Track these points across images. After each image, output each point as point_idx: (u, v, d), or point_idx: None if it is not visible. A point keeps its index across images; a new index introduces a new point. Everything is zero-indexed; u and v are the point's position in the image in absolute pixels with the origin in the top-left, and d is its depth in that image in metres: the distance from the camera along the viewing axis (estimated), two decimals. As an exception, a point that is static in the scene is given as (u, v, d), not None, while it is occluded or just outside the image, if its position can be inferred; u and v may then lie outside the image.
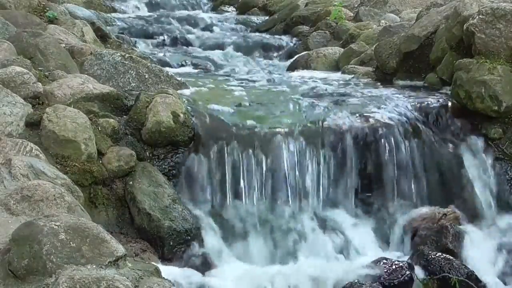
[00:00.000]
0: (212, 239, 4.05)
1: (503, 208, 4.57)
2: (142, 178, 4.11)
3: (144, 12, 10.12)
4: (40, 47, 4.98)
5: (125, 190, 4.10)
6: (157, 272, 3.02)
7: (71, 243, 2.68)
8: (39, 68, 4.71)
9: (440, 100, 4.98)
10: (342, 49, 7.03)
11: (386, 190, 4.53)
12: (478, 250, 4.25)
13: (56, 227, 2.72)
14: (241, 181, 4.29)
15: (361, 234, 4.31)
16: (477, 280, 3.95)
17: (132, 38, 8.01)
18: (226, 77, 6.14)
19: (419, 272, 3.94)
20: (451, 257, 4.02)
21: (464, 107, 4.79)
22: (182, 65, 7.21)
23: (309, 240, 4.19)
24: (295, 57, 7.40)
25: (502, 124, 4.73)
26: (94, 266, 2.64)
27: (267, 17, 9.78)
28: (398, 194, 4.53)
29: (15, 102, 4.05)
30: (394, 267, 3.87)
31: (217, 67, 7.31)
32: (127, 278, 2.67)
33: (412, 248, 4.26)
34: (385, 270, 3.85)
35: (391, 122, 4.65)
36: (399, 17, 7.91)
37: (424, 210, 4.45)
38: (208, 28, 8.98)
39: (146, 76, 5.13)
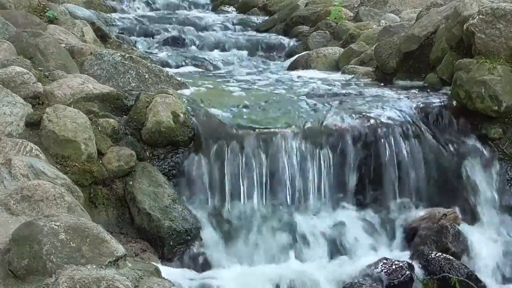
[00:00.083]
0: (212, 239, 4.05)
1: (503, 208, 4.57)
2: (142, 178, 4.11)
3: (144, 12, 10.12)
4: (40, 47, 4.98)
5: (125, 190, 4.10)
6: (157, 272, 3.02)
7: (71, 243, 2.68)
8: (39, 68, 4.71)
9: (440, 100, 4.97)
10: (342, 49, 7.03)
11: (386, 190, 4.53)
12: (478, 250, 4.25)
13: (56, 227, 2.72)
14: (241, 181, 4.29)
15: (361, 234, 4.31)
16: (477, 280, 3.95)
17: (132, 38, 8.02)
18: (226, 77, 6.14)
19: (419, 272, 3.95)
20: (451, 257, 4.03)
21: (464, 107, 4.79)
22: (182, 65, 7.22)
23: (309, 240, 4.19)
24: (295, 57, 7.40)
25: (502, 124, 4.73)
26: (94, 266, 2.64)
27: (267, 17, 9.78)
28: (398, 194, 4.53)
29: (15, 102, 4.05)
30: (394, 267, 3.87)
31: (217, 67, 7.32)
32: (127, 278, 2.67)
33: (412, 248, 4.25)
34: (385, 270, 3.85)
35: (391, 122, 4.65)
36: (399, 17, 7.91)
37: (424, 210, 4.45)
38: (208, 28, 8.98)
39: (146, 76, 5.13)
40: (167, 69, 5.71)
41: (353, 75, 6.12)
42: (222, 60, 7.58)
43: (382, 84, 5.70)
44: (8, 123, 3.96)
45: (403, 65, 5.82)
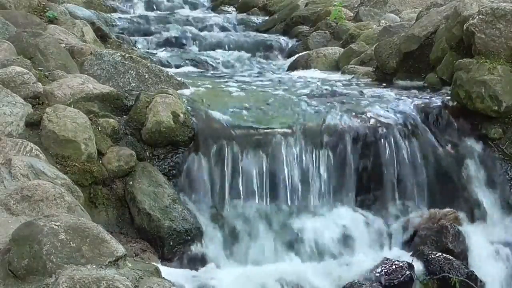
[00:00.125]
0: (212, 239, 4.05)
1: (503, 208, 4.56)
2: (142, 178, 4.11)
3: (144, 12, 10.12)
4: (40, 47, 4.98)
5: (125, 190, 4.10)
6: (157, 272, 3.02)
7: (71, 243, 2.68)
8: (39, 68, 4.71)
9: (440, 100, 4.97)
10: (342, 49, 7.03)
11: (386, 190, 4.52)
12: (478, 250, 4.25)
13: (56, 227, 2.72)
14: (241, 181, 4.29)
15: (361, 234, 4.31)
16: (477, 280, 3.95)
17: (132, 38, 8.02)
18: (226, 77, 6.14)
19: (419, 272, 3.94)
20: (451, 257, 4.02)
21: (464, 107, 4.79)
22: (182, 65, 7.22)
23: (309, 240, 4.19)
24: (295, 57, 7.40)
25: (502, 124, 4.72)
26: (94, 266, 2.64)
27: (267, 17, 9.78)
28: (398, 194, 4.53)
29: (15, 102, 4.05)
30: (394, 267, 3.87)
31: (217, 67, 7.32)
32: (127, 278, 2.67)
33: (412, 248, 4.25)
34: (385, 270, 3.85)
35: (391, 122, 4.65)
36: (399, 17, 7.91)
37: (424, 210, 4.45)
38: (208, 28, 8.98)
39: (146, 76, 5.13)
40: (167, 69, 5.71)
41: (353, 75, 6.13)
42: (222, 60, 7.58)
43: (382, 84, 5.71)
44: (8, 123, 3.96)
45: (403, 65, 5.82)
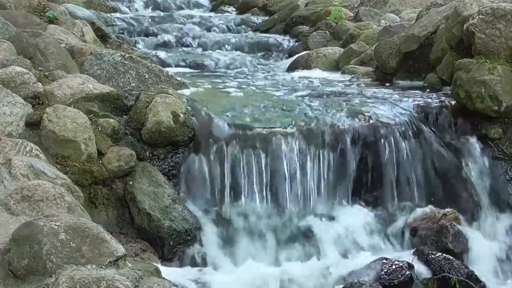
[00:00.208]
0: (212, 239, 4.05)
1: (503, 208, 4.56)
2: (142, 178, 4.11)
3: (144, 12, 10.12)
4: (40, 47, 4.98)
5: (125, 190, 4.10)
6: (157, 272, 3.02)
7: (71, 243, 2.68)
8: (39, 68, 4.71)
9: (440, 100, 4.97)
10: (342, 49, 7.03)
11: (386, 190, 4.52)
12: (478, 250, 4.25)
13: (56, 227, 2.72)
14: (241, 181, 4.29)
15: (361, 234, 4.31)
16: (477, 280, 3.95)
17: (132, 38, 8.02)
18: (226, 77, 6.14)
19: (419, 272, 3.94)
20: (451, 257, 4.02)
21: (464, 107, 4.79)
22: (182, 65, 7.22)
23: (309, 240, 4.19)
24: (295, 57, 7.40)
25: (502, 124, 4.72)
26: (94, 266, 2.64)
27: (267, 17, 9.78)
28: (398, 194, 4.53)
29: (15, 102, 4.05)
30: (394, 267, 3.87)
31: (217, 67, 7.32)
32: (127, 278, 2.67)
33: (412, 248, 4.25)
34: (385, 270, 3.85)
35: (391, 122, 4.65)
36: (399, 17, 7.91)
37: (424, 210, 4.44)
38: (208, 28, 8.98)
39: (146, 76, 5.13)
40: (167, 69, 5.71)
41: (353, 75, 6.13)
42: (222, 60, 7.58)
43: (382, 84, 5.71)
44: (8, 123, 3.96)
45: (403, 65, 5.82)
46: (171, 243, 3.92)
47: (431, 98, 5.04)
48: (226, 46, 8.15)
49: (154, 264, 3.32)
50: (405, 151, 4.57)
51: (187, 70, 7.00)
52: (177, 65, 7.18)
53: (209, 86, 5.46)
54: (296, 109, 4.79)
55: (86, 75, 4.79)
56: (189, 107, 4.54)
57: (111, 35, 7.34)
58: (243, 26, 9.33)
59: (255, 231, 4.18)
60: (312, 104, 4.89)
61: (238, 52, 7.99)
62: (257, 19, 9.74)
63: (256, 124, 4.50)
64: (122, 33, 8.10)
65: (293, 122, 4.54)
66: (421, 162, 4.58)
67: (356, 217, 4.40)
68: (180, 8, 10.76)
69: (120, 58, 5.19)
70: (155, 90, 4.80)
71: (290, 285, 3.82)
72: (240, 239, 4.13)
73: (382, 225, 4.41)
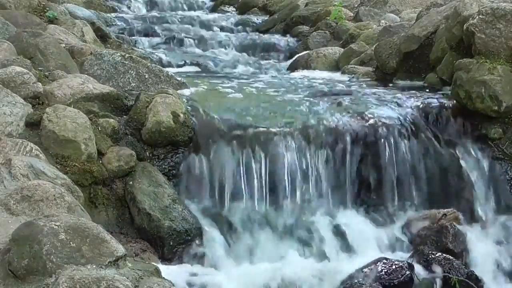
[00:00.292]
0: (212, 239, 4.05)
1: (503, 208, 4.56)
2: (142, 178, 4.11)
3: (144, 12, 10.12)
4: (40, 47, 4.98)
5: (125, 190, 4.10)
6: (157, 272, 3.02)
7: (71, 243, 2.68)
8: (39, 68, 4.71)
9: (440, 100, 4.97)
10: (342, 49, 7.03)
11: (386, 190, 4.53)
12: (478, 250, 4.25)
13: (56, 227, 2.72)
14: (241, 181, 4.29)
15: (361, 234, 4.31)
16: (477, 280, 3.95)
17: (132, 38, 8.01)
18: (226, 77, 6.14)
19: (419, 272, 3.94)
20: (451, 257, 4.02)
21: (464, 107, 4.79)
22: (182, 65, 7.22)
23: (309, 239, 4.19)
24: (295, 57, 7.40)
25: (502, 124, 4.72)
26: (94, 266, 2.64)
27: (267, 17, 9.78)
28: (398, 194, 4.53)
29: (15, 102, 4.05)
30: (394, 267, 3.87)
31: (217, 67, 7.32)
32: (127, 278, 2.67)
33: (412, 248, 4.25)
34: (385, 270, 3.85)
35: (391, 122, 4.65)
36: (399, 17, 7.91)
37: (424, 210, 4.45)
38: (208, 28, 8.98)
39: (146, 76, 5.13)
40: (167, 69, 5.71)
41: (353, 75, 6.13)
42: (222, 60, 7.58)
43: (382, 84, 5.71)
44: (8, 123, 3.96)
45: (403, 65, 5.82)
46: (171, 243, 3.92)
47: (431, 98, 5.04)
48: (226, 46, 8.14)
49: (154, 264, 3.32)
50: (405, 151, 4.57)
51: (187, 70, 6.99)
52: (177, 65, 7.17)
53: (209, 86, 5.46)
54: (296, 109, 4.79)
55: (86, 75, 4.79)
56: (189, 107, 4.55)
57: (111, 35, 7.34)
58: (243, 26, 9.33)
59: (255, 231, 4.18)
60: (312, 104, 4.89)
61: (238, 52, 7.99)
62: (257, 19, 9.74)
63: (256, 124, 4.50)
64: (122, 33, 8.10)
65: (293, 122, 4.54)
66: (421, 162, 4.59)
67: (356, 217, 4.41)
68: (180, 8, 10.75)
69: (120, 58, 5.19)
70: (155, 90, 4.80)
71: (290, 285, 3.82)
72: (240, 239, 4.13)
73: (382, 225, 4.41)
